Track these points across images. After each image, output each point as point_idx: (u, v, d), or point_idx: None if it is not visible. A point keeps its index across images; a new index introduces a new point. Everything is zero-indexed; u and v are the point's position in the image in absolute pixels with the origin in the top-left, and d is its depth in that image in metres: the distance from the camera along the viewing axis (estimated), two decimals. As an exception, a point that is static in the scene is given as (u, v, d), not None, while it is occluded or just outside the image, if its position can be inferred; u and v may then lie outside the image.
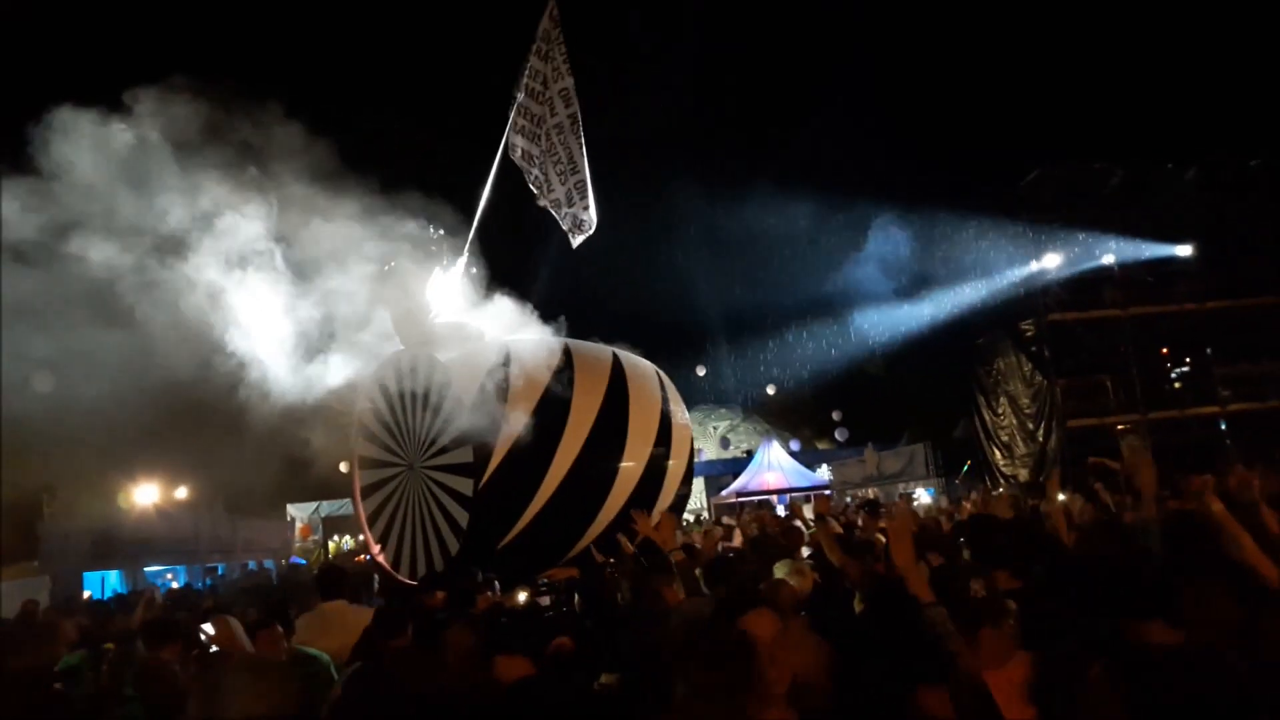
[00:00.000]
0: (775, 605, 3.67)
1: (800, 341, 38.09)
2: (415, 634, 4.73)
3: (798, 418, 43.91)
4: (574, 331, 9.66)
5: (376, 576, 9.71)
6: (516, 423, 8.14)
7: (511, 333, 9.39)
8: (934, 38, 46.42)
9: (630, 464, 8.70)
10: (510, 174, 10.10)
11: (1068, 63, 42.08)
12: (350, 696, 4.09)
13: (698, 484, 29.91)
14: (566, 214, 10.09)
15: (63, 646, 5.96)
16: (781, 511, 24.69)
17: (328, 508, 34.81)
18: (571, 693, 3.88)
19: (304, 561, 26.39)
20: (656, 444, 8.94)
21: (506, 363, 8.41)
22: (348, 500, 33.72)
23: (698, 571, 5.84)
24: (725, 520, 15.59)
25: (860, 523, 7.97)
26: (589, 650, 4.48)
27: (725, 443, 41.58)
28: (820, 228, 29.01)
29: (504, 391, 8.21)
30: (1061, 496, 7.54)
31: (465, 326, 9.24)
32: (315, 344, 8.52)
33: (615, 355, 9.30)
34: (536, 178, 9.94)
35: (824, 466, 35.27)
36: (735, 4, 46.27)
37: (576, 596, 6.36)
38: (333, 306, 8.60)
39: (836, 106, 48.08)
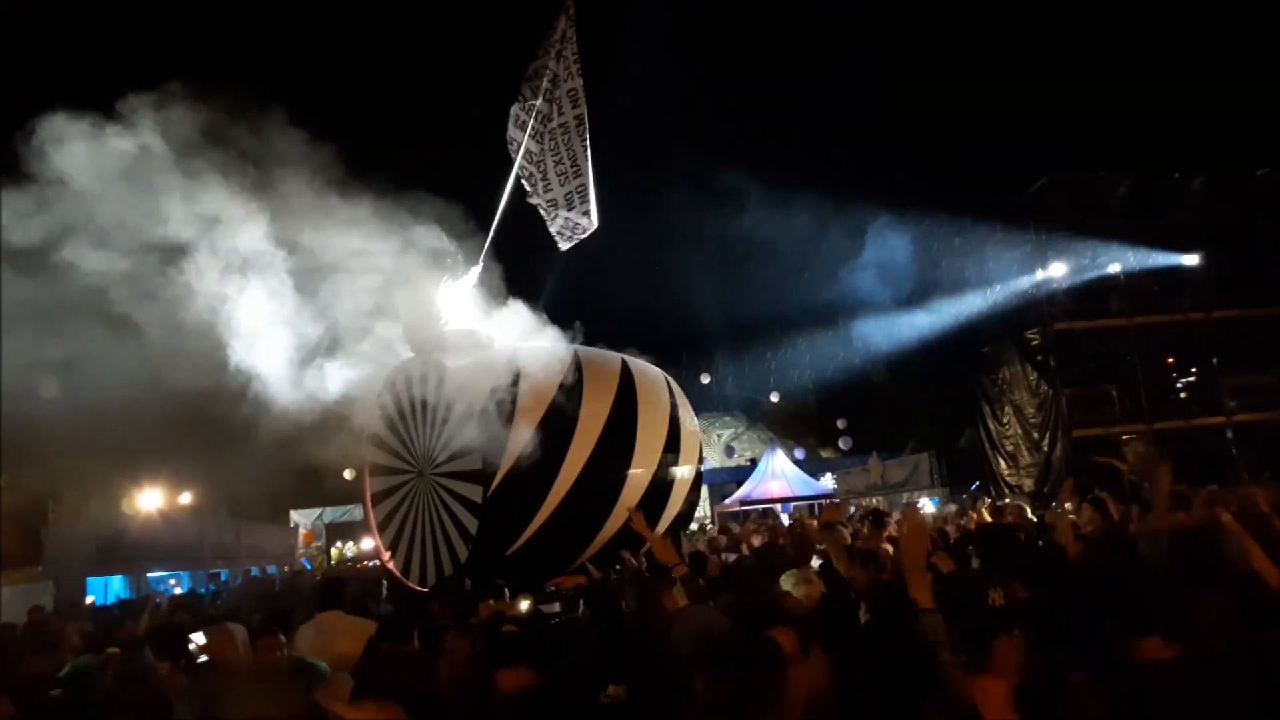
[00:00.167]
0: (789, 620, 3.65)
1: (805, 349, 38.09)
2: (421, 641, 4.72)
3: (802, 426, 43.87)
4: (571, 340, 9.65)
5: (385, 583, 9.72)
6: (525, 429, 8.15)
7: (521, 340, 9.40)
8: (941, 46, 46.47)
9: (639, 470, 8.70)
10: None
11: (1074, 72, 42.09)
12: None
13: (702, 492, 29.87)
14: (560, 216, 10.03)
15: (67, 652, 5.96)
16: (786, 520, 24.67)
17: (331, 514, 34.88)
18: (574, 704, 3.87)
19: (309, 566, 26.41)
20: (665, 450, 8.94)
21: (516, 370, 8.42)
22: (351, 507, 34.11)
23: (701, 580, 5.83)
24: (733, 528, 15.55)
25: (865, 532, 7.93)
26: (595, 659, 4.47)
27: (730, 451, 41.54)
28: (825, 236, 28.98)
29: (513, 398, 8.22)
30: (1068, 506, 7.52)
31: (475, 334, 9.26)
32: (321, 350, 8.52)
33: (624, 362, 9.31)
34: (532, 175, 9.88)
35: (828, 475, 35.22)
36: (742, 13, 46.30)
37: (583, 604, 6.34)
38: (341, 314, 8.61)
39: (843, 114, 48.18)
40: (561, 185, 9.99)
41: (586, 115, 9.73)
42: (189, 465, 22.33)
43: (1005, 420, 27.42)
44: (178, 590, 18.02)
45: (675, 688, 3.38)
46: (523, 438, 8.11)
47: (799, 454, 38.04)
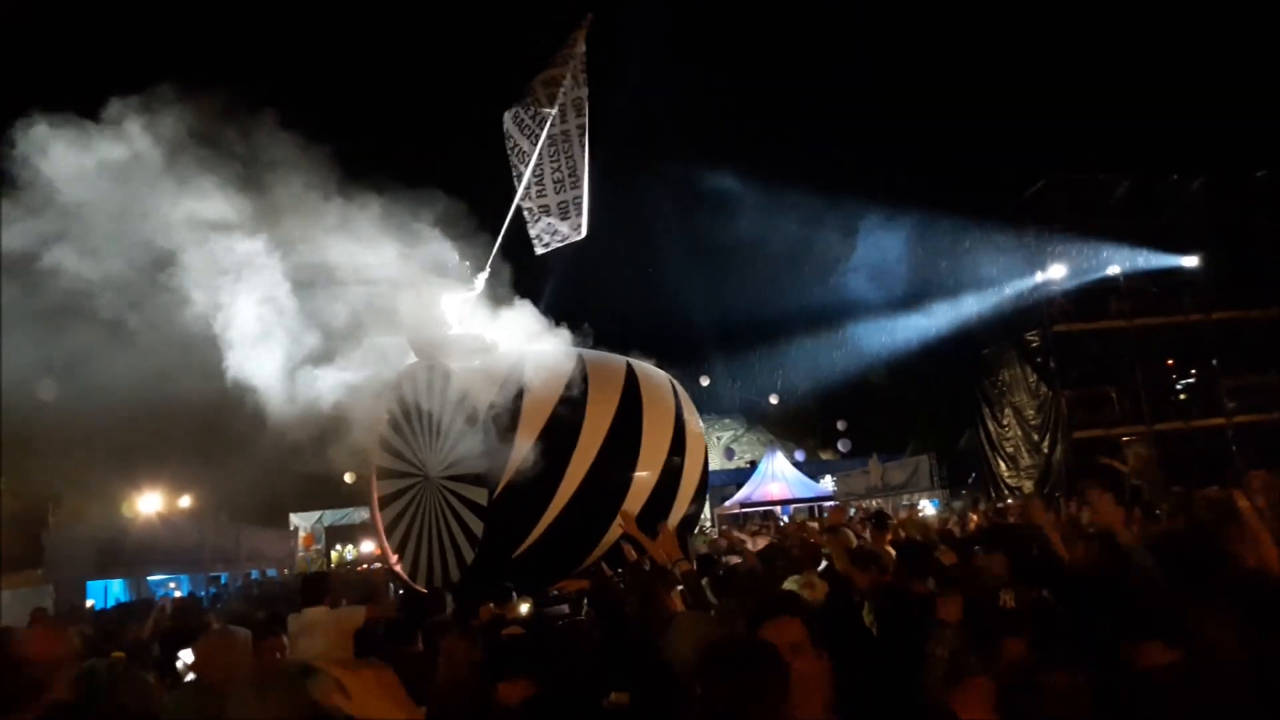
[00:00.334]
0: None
1: (804, 352, 38.05)
2: (425, 642, 4.72)
3: (802, 428, 43.86)
4: (578, 343, 9.66)
5: (393, 585, 9.73)
6: (531, 432, 8.16)
7: (526, 343, 9.42)
8: (941, 46, 46.50)
9: (644, 473, 8.70)
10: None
11: (1074, 72, 42.12)
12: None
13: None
14: (544, 221, 10.03)
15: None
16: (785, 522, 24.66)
17: (331, 517, 34.85)
18: (576, 712, 3.86)
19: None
20: (671, 453, 8.94)
21: (521, 373, 8.44)
22: (350, 510, 34.09)
23: (705, 581, 5.82)
24: (736, 533, 15.52)
25: (868, 534, 7.92)
26: (598, 663, 4.45)
27: (729, 453, 41.55)
28: (825, 237, 29.02)
29: (518, 402, 8.23)
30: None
31: (479, 338, 9.28)
32: (323, 355, 8.53)
33: (629, 364, 9.31)
34: (521, 174, 9.85)
35: (828, 477, 35.19)
36: (742, 14, 46.36)
37: (586, 606, 6.33)
38: (343, 318, 8.62)
39: (842, 114, 48.20)
40: (557, 193, 9.98)
41: (588, 125, 9.72)
42: (189, 468, 22.35)
43: (1005, 422, 27.44)
44: (178, 593, 18.02)
45: (678, 692, 3.37)
46: (528, 441, 8.12)
47: (799, 456, 38.02)
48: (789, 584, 5.22)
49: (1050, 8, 40.88)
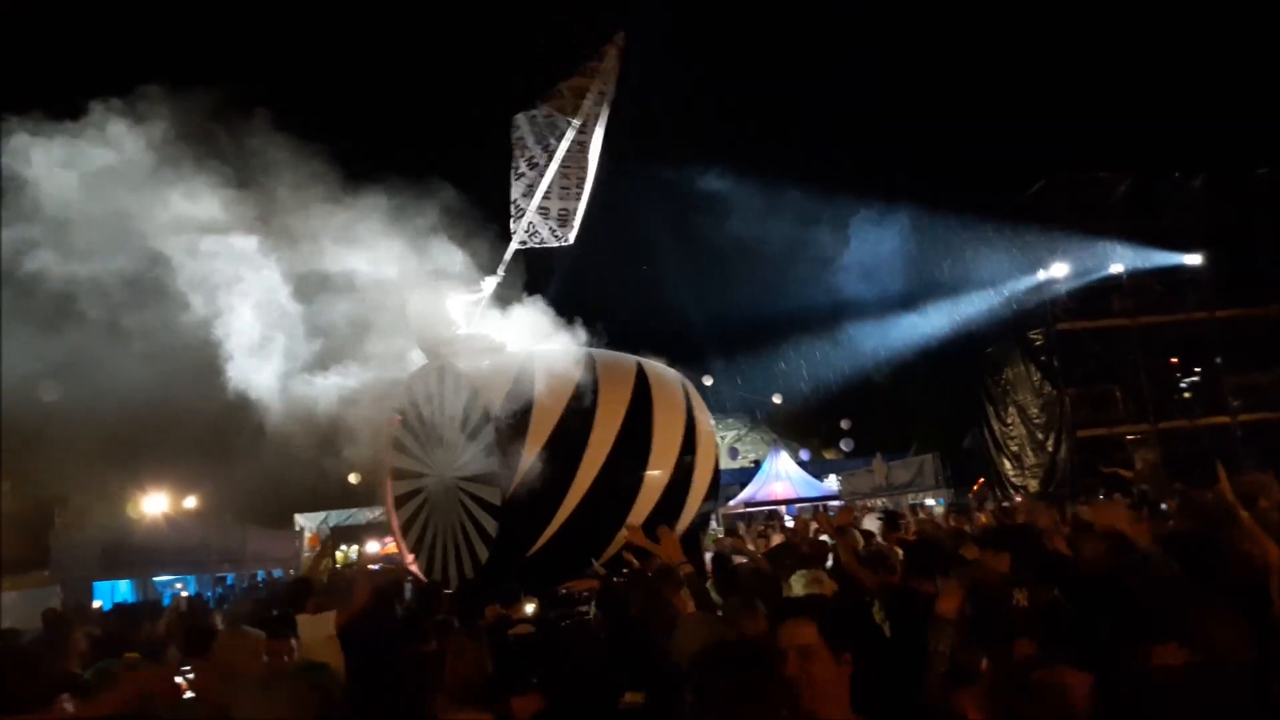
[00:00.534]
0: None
1: (808, 351, 38.03)
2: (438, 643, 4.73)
3: (806, 428, 43.81)
4: (589, 343, 9.69)
5: (409, 584, 9.79)
6: (543, 432, 8.19)
7: (536, 343, 9.47)
8: (941, 46, 46.46)
9: (656, 472, 8.73)
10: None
11: (1075, 72, 42.08)
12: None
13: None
14: (539, 223, 10.08)
15: (74, 658, 5.94)
16: (789, 522, 24.63)
17: (336, 518, 34.85)
18: (584, 713, 3.87)
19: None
20: (683, 451, 8.96)
21: (532, 373, 8.47)
22: (355, 510, 34.06)
23: (709, 582, 5.83)
24: (733, 539, 15.50)
25: (880, 533, 7.93)
26: (605, 663, 4.46)
27: (733, 453, 41.48)
28: (826, 237, 28.99)
29: (530, 402, 8.26)
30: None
31: (488, 338, 9.34)
32: (330, 356, 8.56)
33: (640, 364, 9.34)
34: (521, 171, 9.90)
35: (832, 477, 35.13)
36: (740, 16, 46.33)
37: (593, 606, 6.34)
38: (352, 319, 8.65)
39: (843, 115, 48.19)
40: (561, 199, 10.07)
41: (602, 140, 9.81)
42: (194, 469, 22.38)
43: (1009, 421, 27.42)
44: (184, 594, 18.04)
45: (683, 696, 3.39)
46: (540, 440, 8.16)
47: (804, 455, 37.97)
48: (796, 581, 5.23)
49: (1050, 8, 40.87)
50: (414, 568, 9.31)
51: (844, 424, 40.18)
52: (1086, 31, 42.48)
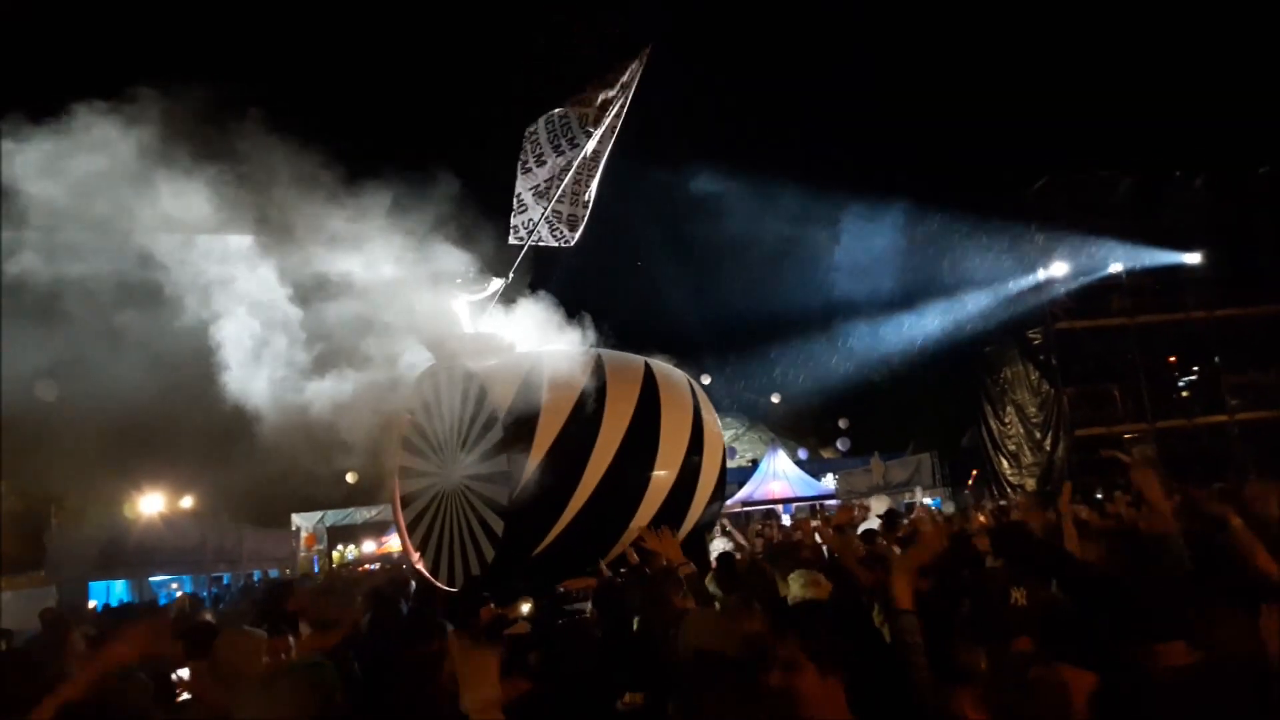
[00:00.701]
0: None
1: (805, 350, 38.04)
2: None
3: (803, 427, 43.84)
4: (597, 343, 9.70)
5: (414, 583, 9.80)
6: (550, 431, 8.19)
7: (543, 343, 9.49)
8: (941, 46, 46.47)
9: (663, 472, 8.73)
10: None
11: (1075, 71, 42.07)
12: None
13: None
14: (546, 224, 10.12)
15: (72, 658, 5.92)
16: (787, 521, 24.64)
17: (333, 517, 34.85)
18: (575, 710, 3.85)
19: (317, 569, 26.41)
20: (689, 452, 8.96)
21: (539, 373, 8.48)
22: (352, 510, 34.09)
23: (709, 580, 5.81)
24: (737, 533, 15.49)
25: (880, 532, 7.92)
26: (602, 662, 4.44)
27: (731, 452, 41.42)
28: (824, 236, 29.00)
29: (537, 401, 8.27)
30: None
31: (497, 338, 9.37)
32: (330, 355, 8.55)
33: (647, 364, 9.34)
34: (529, 168, 9.94)
35: (830, 475, 35.14)
36: (739, 16, 46.31)
37: (590, 605, 6.33)
38: (359, 318, 8.66)
39: (843, 114, 48.19)
40: (571, 205, 10.14)
41: (609, 152, 9.89)
42: (190, 469, 22.34)
43: (1007, 420, 27.43)
44: (180, 594, 18.02)
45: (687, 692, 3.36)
46: (547, 440, 8.16)
47: (802, 454, 37.98)
48: (793, 581, 5.20)
49: (1050, 7, 40.88)
50: (420, 566, 9.35)
51: (842, 423, 40.19)
52: (1087, 31, 42.51)
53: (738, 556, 7.91)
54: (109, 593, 17.99)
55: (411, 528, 9.49)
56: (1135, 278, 25.15)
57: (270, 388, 8.24)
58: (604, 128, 9.51)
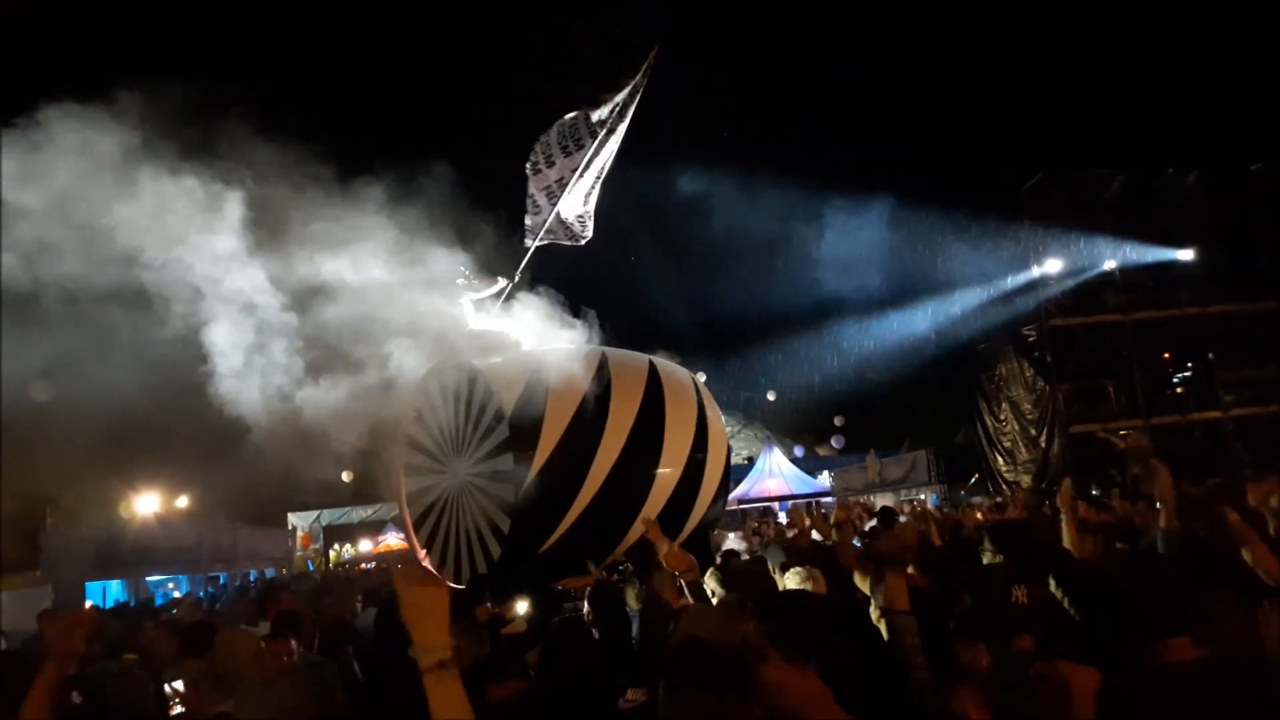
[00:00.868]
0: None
1: (801, 348, 38.06)
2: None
3: (799, 424, 43.87)
4: (602, 341, 9.71)
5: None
6: (555, 429, 8.21)
7: (549, 341, 9.50)
8: (936, 44, 46.52)
9: (667, 470, 8.75)
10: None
11: (1069, 69, 42.15)
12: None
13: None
14: (560, 223, 10.17)
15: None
16: (783, 519, 24.68)
17: (329, 516, 34.84)
18: (569, 708, 3.86)
19: (312, 567, 26.39)
20: (694, 450, 8.98)
21: (546, 371, 8.50)
22: (349, 509, 34.06)
23: (709, 578, 5.81)
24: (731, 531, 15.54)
25: (878, 530, 7.95)
26: (599, 660, 4.45)
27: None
28: (821, 233, 29.00)
29: (543, 399, 8.29)
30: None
31: (503, 335, 9.39)
32: (330, 354, 8.53)
33: (651, 362, 9.37)
34: (540, 169, 10.01)
35: (825, 473, 35.17)
36: (738, 17, 46.34)
37: (586, 604, 6.34)
38: (361, 315, 8.65)
39: (838, 112, 48.21)
40: (584, 204, 10.25)
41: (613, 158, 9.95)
42: (186, 469, 22.29)
43: (1002, 417, 27.49)
44: (176, 594, 18.01)
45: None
46: (553, 438, 8.18)
47: (798, 452, 38.00)
48: (790, 578, 5.22)
49: (1044, 4, 40.94)
50: (427, 563, 9.36)
51: (838, 420, 40.22)
52: (1081, 28, 42.57)
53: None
54: (105, 593, 17.96)
55: (418, 525, 9.50)
56: (1129, 274, 25.18)
57: (270, 387, 8.22)
58: (607, 129, 9.54)
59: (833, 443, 40.20)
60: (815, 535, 8.63)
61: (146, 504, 20.76)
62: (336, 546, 32.44)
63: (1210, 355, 25.01)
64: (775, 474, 31.58)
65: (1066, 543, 5.35)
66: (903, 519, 9.67)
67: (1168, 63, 35.77)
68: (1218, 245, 24.70)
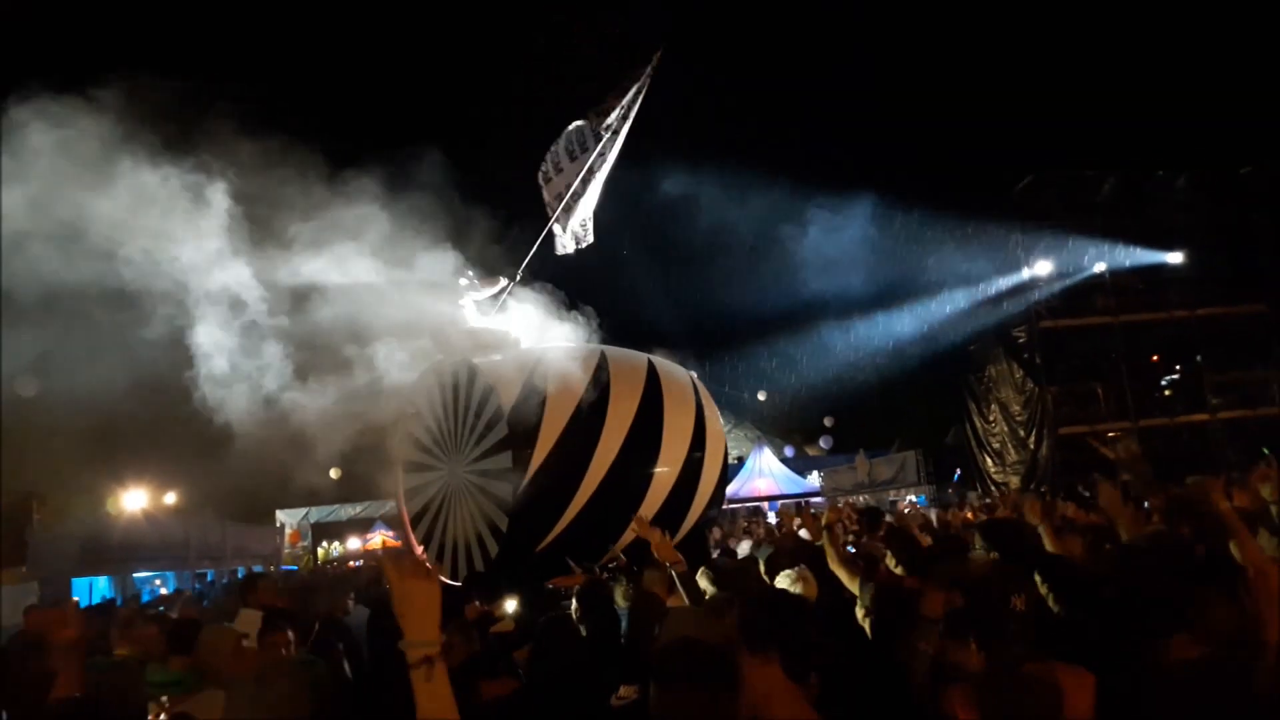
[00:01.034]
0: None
1: (791, 348, 38.05)
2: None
3: (789, 424, 43.87)
4: (601, 340, 9.72)
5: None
6: (554, 428, 8.22)
7: (548, 340, 9.51)
8: (928, 46, 46.61)
9: (665, 469, 8.76)
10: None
11: (1061, 70, 42.30)
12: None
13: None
14: (573, 229, 10.26)
15: (57, 653, 5.85)
16: (772, 519, 24.68)
17: (317, 513, 34.72)
18: (560, 706, 3.85)
19: (295, 569, 26.26)
20: (692, 449, 9.00)
21: (545, 370, 8.50)
22: (337, 506, 33.93)
23: (700, 576, 5.81)
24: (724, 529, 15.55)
25: (864, 531, 7.94)
26: (589, 658, 4.44)
27: (717, 449, 41.31)
28: (812, 233, 29.00)
29: (542, 397, 8.30)
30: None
31: (503, 334, 9.39)
32: (328, 353, 8.50)
33: (650, 362, 9.38)
34: (550, 178, 10.10)
35: (815, 473, 35.17)
36: (737, 14, 46.33)
37: (575, 602, 6.34)
38: (361, 312, 8.63)
39: (832, 113, 48.27)
40: (587, 208, 10.32)
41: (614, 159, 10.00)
42: (173, 464, 22.21)
43: (991, 418, 27.56)
44: (164, 590, 17.91)
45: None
46: (551, 437, 8.19)
47: (788, 452, 38.00)
48: (781, 580, 5.22)
49: (1037, 6, 41.05)
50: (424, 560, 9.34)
51: (827, 421, 40.24)
52: (1072, 30, 42.70)
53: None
54: (92, 589, 17.83)
55: (415, 522, 9.49)
56: (1119, 277, 25.30)
57: (268, 386, 8.19)
58: (611, 132, 9.58)
59: (822, 443, 40.23)
60: (804, 534, 8.63)
61: (134, 500, 20.68)
62: (325, 544, 32.32)
63: (1199, 358, 25.14)
64: (765, 474, 31.56)
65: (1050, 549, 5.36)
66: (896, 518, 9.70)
67: (1159, 65, 35.93)
68: (1208, 248, 24.82)
